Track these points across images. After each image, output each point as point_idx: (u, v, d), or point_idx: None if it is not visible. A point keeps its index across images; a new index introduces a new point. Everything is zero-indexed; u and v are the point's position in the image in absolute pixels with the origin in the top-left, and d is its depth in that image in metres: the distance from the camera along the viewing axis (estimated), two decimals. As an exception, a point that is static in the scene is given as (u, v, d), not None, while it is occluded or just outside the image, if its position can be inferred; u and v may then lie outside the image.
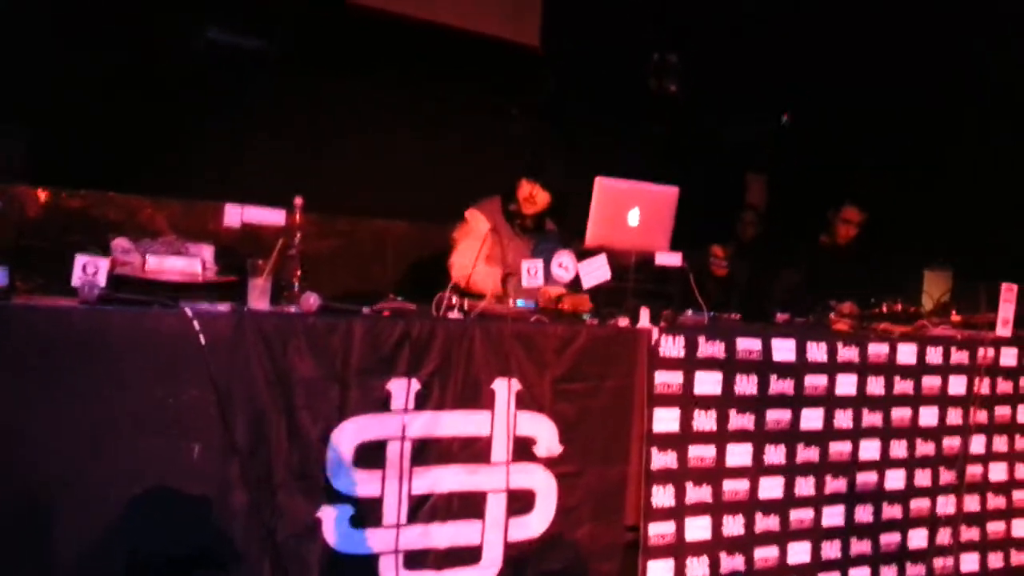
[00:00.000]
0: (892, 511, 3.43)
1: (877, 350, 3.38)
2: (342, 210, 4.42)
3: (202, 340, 2.23)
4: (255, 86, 4.36)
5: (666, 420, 2.94)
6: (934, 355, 3.52)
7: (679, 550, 2.96)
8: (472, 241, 3.53)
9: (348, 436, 2.44)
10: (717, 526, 3.04)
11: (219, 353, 2.27)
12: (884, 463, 3.41)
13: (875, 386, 3.38)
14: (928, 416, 3.51)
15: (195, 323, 2.23)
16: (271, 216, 2.53)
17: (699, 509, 3.01)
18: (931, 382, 3.52)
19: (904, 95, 5.41)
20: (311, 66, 4.51)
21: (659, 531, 2.92)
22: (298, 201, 2.62)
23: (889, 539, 3.43)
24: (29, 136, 3.71)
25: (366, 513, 2.47)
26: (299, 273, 2.62)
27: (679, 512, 2.97)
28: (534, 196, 3.64)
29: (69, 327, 2.14)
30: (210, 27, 4.27)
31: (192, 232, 3.24)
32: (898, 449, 3.44)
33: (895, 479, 3.44)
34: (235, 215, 2.49)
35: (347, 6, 4.47)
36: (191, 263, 2.69)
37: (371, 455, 2.48)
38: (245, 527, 2.32)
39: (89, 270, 2.26)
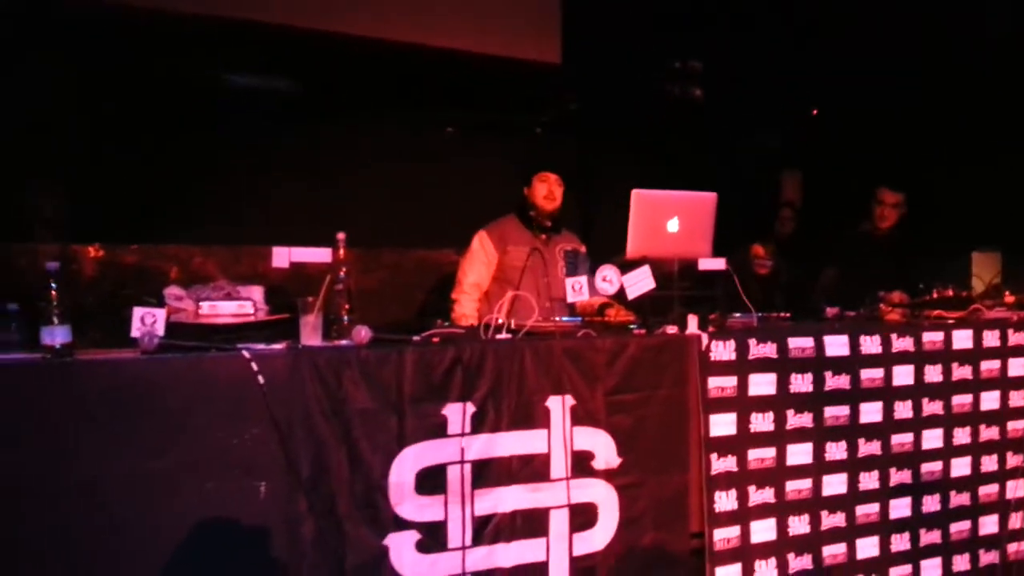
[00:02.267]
0: (960, 499, 3.37)
1: (932, 338, 3.33)
2: (385, 242, 4.49)
3: (260, 380, 2.29)
4: (288, 129, 4.46)
5: (723, 424, 2.93)
6: (991, 339, 3.46)
7: (746, 553, 2.94)
8: (473, 276, 3.64)
9: (408, 463, 2.47)
10: (783, 527, 3.02)
11: (277, 391, 2.32)
12: (948, 451, 3.35)
13: (933, 374, 3.32)
14: (990, 400, 3.45)
15: (253, 364, 2.29)
16: (317, 254, 2.59)
17: (763, 511, 2.98)
18: (990, 366, 3.45)
19: (936, 75, 5.35)
20: (341, 103, 4.61)
21: (724, 536, 2.91)
22: (340, 236, 2.67)
23: (959, 527, 3.37)
24: (77, 195, 3.84)
25: (431, 538, 2.50)
26: (347, 307, 2.67)
27: (743, 515, 2.95)
28: (553, 192, 3.67)
29: (132, 378, 2.21)
30: (237, 73, 4.38)
31: (242, 276, 3.34)
32: (962, 436, 3.38)
33: (961, 467, 3.37)
34: (283, 256, 2.55)
35: (370, 42, 4.56)
36: (243, 305, 2.77)
37: (432, 480, 2.51)
38: (314, 560, 2.36)
39: (147, 321, 2.33)
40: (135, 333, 2.31)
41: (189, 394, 2.25)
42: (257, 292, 2.93)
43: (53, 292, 2.18)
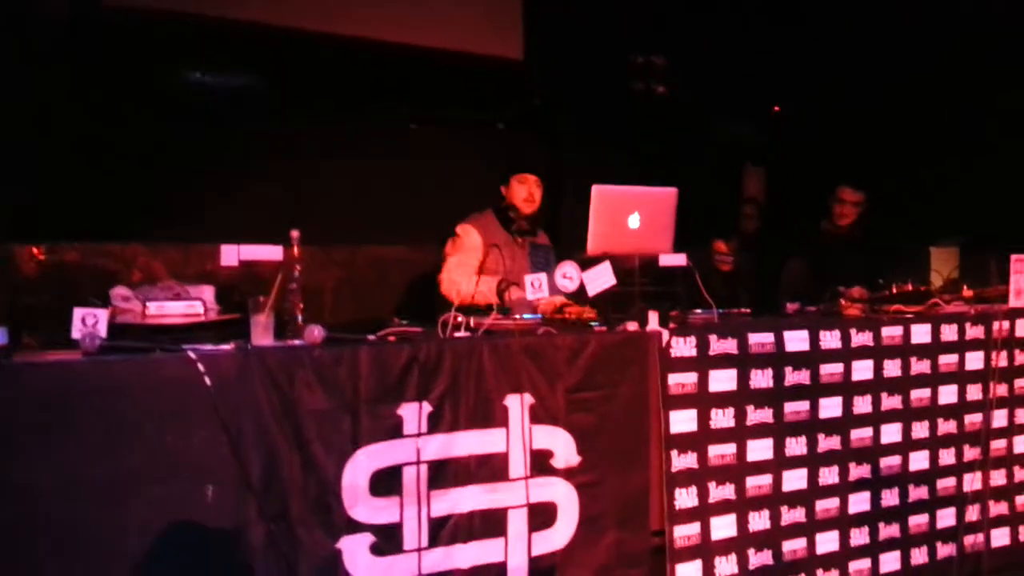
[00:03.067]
0: (919, 492, 3.39)
1: (891, 332, 3.35)
2: (339, 240, 4.42)
3: (207, 381, 2.22)
4: (239, 125, 4.37)
5: (683, 421, 2.91)
6: (949, 332, 3.48)
7: (706, 550, 2.93)
8: (463, 255, 3.52)
9: (362, 465, 2.42)
10: (743, 523, 3.01)
11: (226, 392, 2.25)
12: (907, 445, 3.37)
13: (892, 369, 3.34)
14: (948, 394, 3.47)
15: (199, 365, 2.22)
16: (268, 252, 2.52)
17: (723, 507, 2.98)
18: (948, 360, 3.48)
19: (897, 72, 5.39)
20: (294, 100, 4.53)
21: (685, 533, 2.90)
22: (294, 234, 2.60)
23: (918, 520, 3.39)
24: (16, 192, 3.71)
25: (386, 540, 2.45)
26: (301, 306, 2.61)
27: (703, 512, 2.94)
28: (533, 194, 3.63)
29: (72, 380, 2.13)
30: (191, 70, 4.29)
31: (191, 276, 3.25)
32: (920, 430, 3.40)
33: (919, 460, 3.40)
34: (232, 254, 2.48)
35: (326, 37, 4.48)
36: (192, 305, 2.70)
37: (387, 482, 2.46)
38: (265, 564, 2.30)
39: (89, 322, 2.25)
40: (76, 334, 2.24)
41: (133, 397, 2.17)
42: (208, 292, 2.86)
43: (-11, 292, 2.10)
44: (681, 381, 2.91)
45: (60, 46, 3.89)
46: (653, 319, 2.96)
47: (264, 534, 2.29)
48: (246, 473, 2.27)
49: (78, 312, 2.24)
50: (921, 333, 3.41)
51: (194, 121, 4.24)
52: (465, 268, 3.50)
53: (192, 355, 2.23)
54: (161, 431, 2.19)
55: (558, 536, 2.71)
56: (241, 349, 2.34)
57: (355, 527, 2.41)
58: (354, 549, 2.41)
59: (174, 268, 3.74)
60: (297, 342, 2.48)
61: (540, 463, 2.69)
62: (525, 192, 3.64)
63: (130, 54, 4.06)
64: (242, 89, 4.45)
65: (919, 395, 3.40)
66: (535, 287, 2.85)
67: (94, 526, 2.12)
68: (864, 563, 3.27)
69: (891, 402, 3.33)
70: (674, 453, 2.89)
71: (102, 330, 2.26)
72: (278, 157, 4.45)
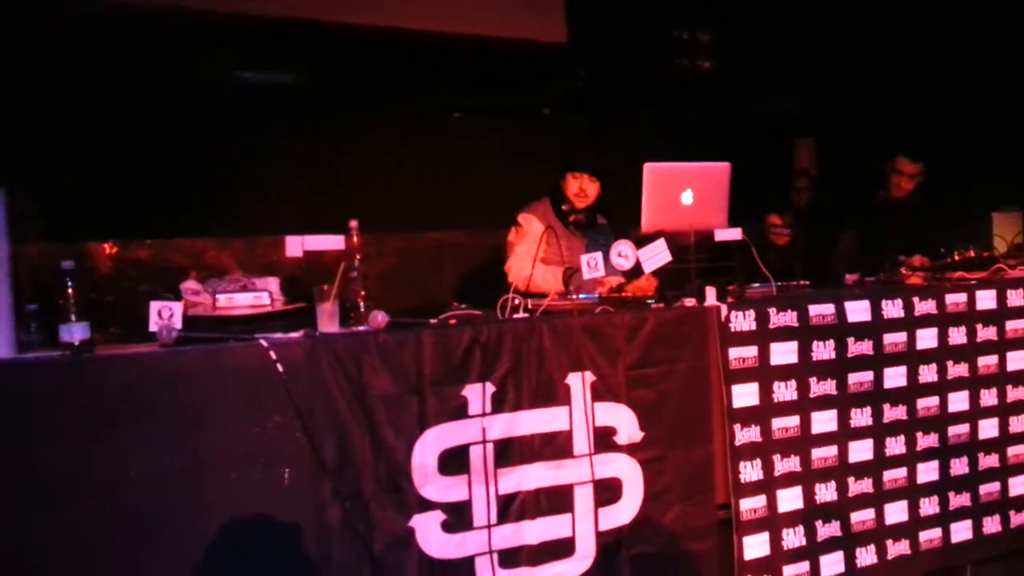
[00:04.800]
0: (989, 460, 3.33)
1: (955, 299, 3.29)
2: (397, 227, 4.49)
3: (280, 368, 2.29)
4: (291, 121, 4.46)
5: (745, 395, 2.91)
6: (1016, 298, 3.41)
7: (773, 523, 2.93)
8: (528, 244, 3.55)
9: (431, 445, 2.48)
10: (809, 495, 3.00)
11: (297, 379, 2.32)
12: (975, 413, 3.31)
13: (957, 336, 3.29)
14: (1016, 361, 3.41)
15: (271, 353, 2.29)
16: (330, 242, 2.58)
17: (789, 480, 2.97)
18: (1015, 326, 3.41)
19: (949, 38, 5.26)
20: (340, 94, 4.60)
21: (751, 506, 2.90)
22: (353, 224, 2.66)
23: (989, 489, 3.33)
24: (89, 192, 3.85)
25: (457, 517, 2.51)
26: (363, 294, 2.68)
27: (769, 485, 2.93)
28: (585, 190, 3.64)
29: (151, 371, 2.21)
30: (243, 68, 4.38)
31: (257, 267, 3.34)
32: (988, 398, 3.34)
33: (989, 428, 3.34)
34: (296, 245, 2.55)
35: (373, 30, 4.54)
36: (259, 296, 2.78)
37: (455, 461, 2.51)
38: (342, 543, 2.37)
39: (165, 314, 2.34)
40: (153, 327, 2.33)
41: (209, 385, 2.25)
42: (273, 283, 2.94)
43: (69, 290, 2.20)
44: (742, 355, 2.91)
45: (122, 51, 4.00)
46: (711, 294, 2.96)
47: (340, 514, 2.36)
48: (320, 456, 2.34)
49: (154, 305, 2.33)
50: (986, 299, 3.35)
51: (251, 119, 4.34)
52: (531, 256, 3.52)
53: (264, 343, 2.30)
54: (237, 418, 2.27)
55: (624, 511, 2.74)
56: (310, 336, 2.41)
57: (426, 505, 2.47)
58: (426, 527, 2.47)
59: (240, 260, 3.84)
60: (362, 328, 2.55)
61: (603, 440, 2.72)
62: (577, 188, 3.65)
63: (189, 55, 4.17)
64: (292, 85, 4.54)
65: (986, 362, 3.34)
66: (591, 266, 2.87)
67: (177, 512, 2.21)
68: (935, 532, 3.24)
69: (957, 370, 3.28)
70: (737, 427, 2.88)
71: (178, 322, 2.34)
72: (328, 150, 4.53)
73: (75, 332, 2.20)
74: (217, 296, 2.74)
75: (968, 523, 3.30)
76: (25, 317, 2.36)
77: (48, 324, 2.29)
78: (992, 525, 3.35)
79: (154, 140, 4.09)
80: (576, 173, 3.63)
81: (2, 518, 2.04)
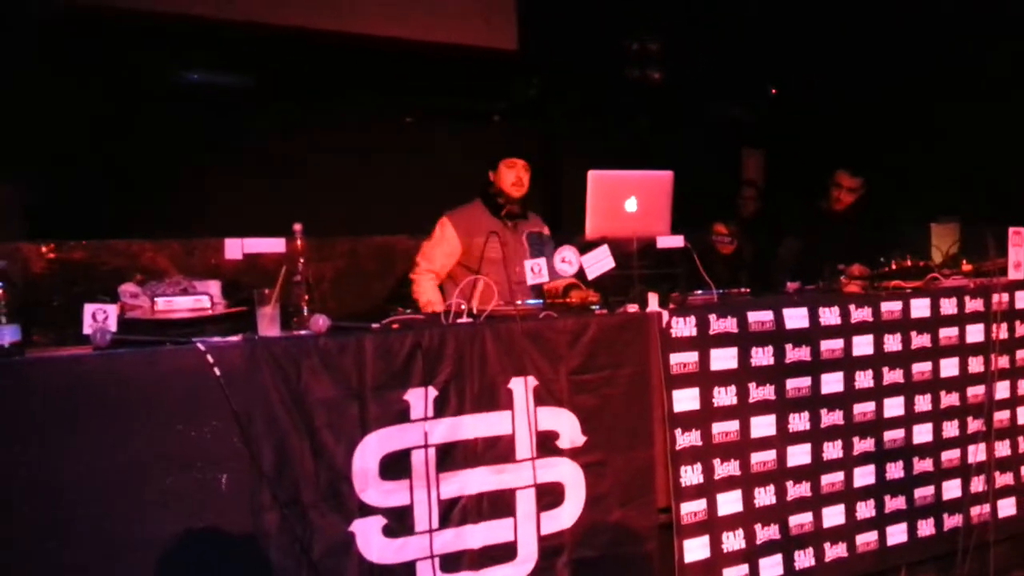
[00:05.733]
0: (923, 465, 3.42)
1: (891, 308, 3.37)
2: (339, 232, 4.47)
3: (217, 372, 2.27)
4: (239, 122, 4.42)
5: (686, 400, 2.95)
6: (948, 306, 3.51)
7: (713, 526, 2.97)
8: (428, 263, 3.63)
9: (372, 450, 2.47)
10: (749, 498, 3.05)
11: (235, 383, 2.30)
12: (910, 418, 3.40)
13: (893, 343, 3.37)
14: (949, 367, 3.50)
15: (208, 356, 2.27)
16: (271, 245, 2.56)
17: (729, 484, 3.02)
18: (948, 333, 3.50)
19: (894, 52, 5.41)
20: (291, 96, 4.58)
21: (691, 509, 2.93)
22: (297, 227, 2.65)
23: (924, 492, 3.42)
24: (23, 193, 3.77)
25: (398, 522, 2.50)
26: (306, 297, 2.66)
27: (709, 489, 2.98)
28: (521, 178, 3.67)
29: (84, 375, 2.18)
30: (190, 69, 4.34)
31: (196, 270, 3.30)
32: (923, 403, 3.43)
33: (923, 433, 3.43)
34: (236, 248, 2.53)
35: (322, 34, 4.52)
36: (199, 300, 2.74)
37: (396, 466, 2.51)
38: (280, 550, 2.35)
39: (99, 317, 2.30)
40: (87, 330, 2.28)
41: (145, 389, 2.22)
42: (214, 286, 2.90)
43: (1, 291, 2.15)
44: (683, 360, 2.95)
45: (63, 49, 3.93)
46: (653, 301, 2.99)
47: (278, 520, 2.35)
48: (258, 461, 2.32)
49: (88, 308, 2.29)
50: (921, 307, 3.44)
51: (193, 119, 4.29)
52: (431, 273, 3.68)
53: (201, 347, 2.27)
54: (173, 422, 2.25)
55: (566, 515, 2.76)
56: (249, 340, 2.39)
57: (367, 510, 2.46)
58: (367, 532, 2.46)
59: (178, 263, 3.79)
60: (303, 332, 2.53)
61: (546, 444, 2.73)
62: (513, 176, 3.67)
63: (131, 55, 4.11)
64: (240, 86, 4.50)
65: (920, 368, 3.43)
66: (535, 272, 2.90)
67: (112, 516, 2.18)
68: (871, 535, 3.31)
69: (893, 376, 3.36)
70: (678, 431, 2.92)
71: (112, 325, 2.30)
72: (277, 152, 4.50)
73: (4, 334, 2.15)
74: (156, 299, 2.70)
75: (903, 526, 3.38)
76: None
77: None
78: (926, 528, 3.44)
79: (94, 139, 4.02)
80: (511, 160, 3.65)
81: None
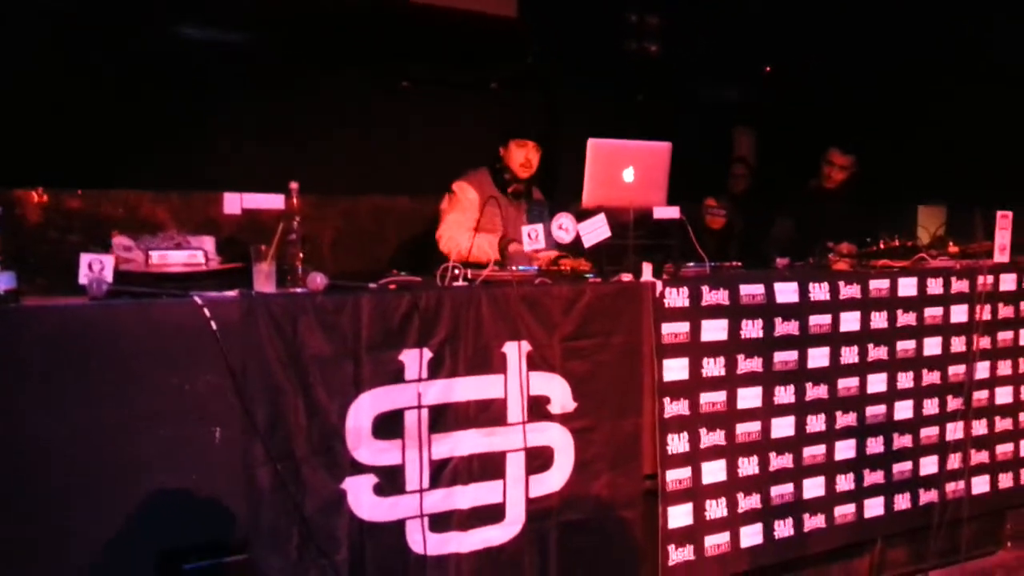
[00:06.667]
0: (903, 441, 3.50)
1: (878, 285, 3.42)
2: (341, 190, 4.46)
3: (213, 326, 2.27)
4: (241, 78, 4.36)
5: (676, 369, 2.98)
6: (934, 286, 3.56)
7: (697, 494, 3.03)
8: (459, 214, 3.56)
9: (365, 409, 2.48)
10: (732, 468, 3.10)
11: (231, 337, 2.30)
12: (892, 395, 3.46)
13: (879, 321, 3.42)
14: (932, 346, 3.56)
15: (205, 310, 2.27)
16: (270, 201, 2.55)
17: (714, 453, 3.06)
18: (933, 313, 3.56)
19: (889, 35, 5.42)
20: (291, 55, 4.52)
21: (676, 477, 2.98)
22: (293, 185, 2.63)
23: (901, 468, 3.50)
24: (21, 139, 3.71)
25: (389, 481, 2.52)
26: (301, 256, 2.65)
27: (695, 457, 3.02)
28: (530, 159, 3.66)
29: (81, 324, 2.17)
30: (191, 23, 4.27)
31: (193, 223, 3.28)
32: (905, 381, 3.49)
33: (904, 410, 3.49)
34: (234, 202, 2.51)
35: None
36: (194, 255, 2.73)
37: (389, 425, 2.52)
38: (272, 505, 2.37)
39: (95, 267, 2.29)
40: (83, 280, 2.27)
41: (140, 341, 2.21)
42: (208, 242, 2.89)
43: (-4, 237, 2.13)
44: (674, 331, 2.98)
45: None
46: (647, 271, 3.02)
47: (271, 475, 2.36)
48: (252, 416, 2.33)
49: (84, 258, 2.28)
50: (907, 286, 3.49)
51: (197, 73, 4.23)
52: (463, 226, 3.55)
53: (199, 300, 2.27)
54: (168, 375, 2.24)
55: (554, 479, 2.80)
56: (246, 295, 2.38)
57: (359, 468, 2.48)
58: (358, 489, 2.48)
59: (177, 215, 3.76)
60: (299, 290, 2.53)
61: (537, 408, 2.76)
62: (523, 157, 3.67)
63: (136, 7, 4.04)
64: (243, 43, 4.43)
65: (904, 346, 3.48)
66: (532, 238, 2.91)
67: (107, 466, 2.18)
68: (849, 508, 3.38)
69: (877, 353, 3.42)
70: (667, 400, 2.96)
71: (108, 276, 2.29)
72: (275, 110, 4.45)
73: (0, 281, 2.13)
74: (150, 252, 2.69)
75: (880, 499, 3.46)
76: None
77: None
78: (903, 502, 3.52)
79: (92, 87, 3.95)
80: (521, 141, 3.65)
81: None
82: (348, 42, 4.62)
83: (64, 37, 3.90)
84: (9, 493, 2.08)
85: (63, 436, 2.12)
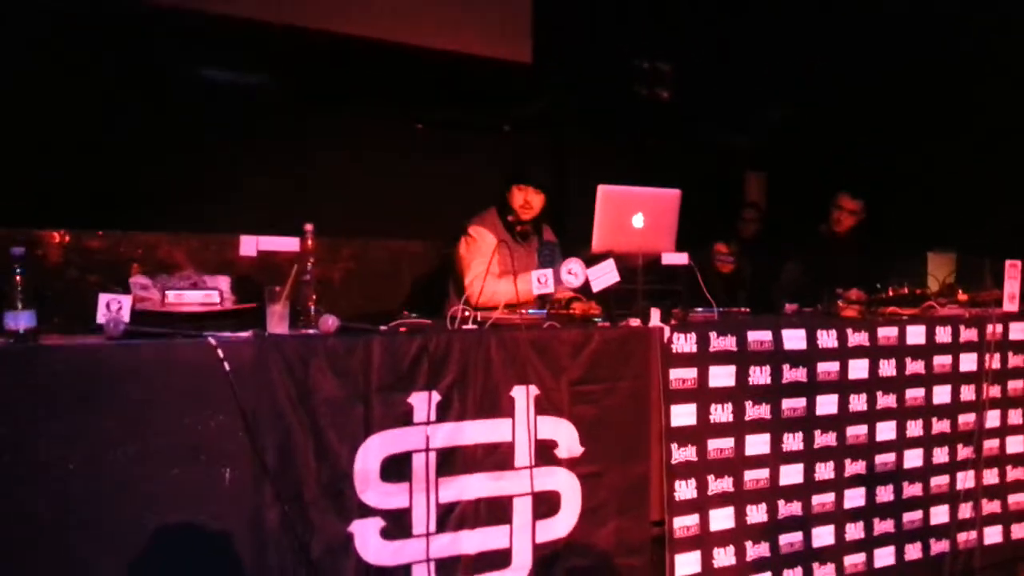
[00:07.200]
0: (913, 489, 3.47)
1: (887, 333, 3.43)
2: (349, 234, 4.51)
3: (226, 367, 2.30)
4: (257, 122, 4.46)
5: (683, 415, 2.99)
6: (943, 334, 3.56)
7: (705, 541, 3.01)
8: (483, 258, 3.59)
9: (374, 451, 2.50)
10: (741, 515, 3.09)
11: (244, 378, 2.33)
12: (901, 443, 3.45)
13: (887, 368, 3.42)
14: (942, 394, 3.56)
15: (219, 351, 2.30)
16: (285, 243, 2.60)
17: (722, 500, 3.06)
18: (942, 361, 3.56)
19: (897, 81, 5.49)
20: (308, 98, 4.62)
21: (684, 524, 2.97)
22: (308, 227, 2.69)
23: (912, 517, 3.47)
24: (44, 181, 3.80)
25: (396, 525, 2.53)
26: (314, 297, 2.70)
27: (702, 504, 3.02)
28: (530, 202, 3.71)
29: (97, 363, 2.21)
30: (210, 66, 4.38)
31: (210, 264, 3.32)
32: (914, 429, 3.48)
33: (913, 458, 3.48)
34: (251, 245, 2.57)
35: (340, 38, 4.57)
36: (209, 295, 2.77)
37: (397, 468, 2.54)
38: (279, 546, 2.38)
39: (113, 307, 2.33)
40: (101, 319, 2.32)
41: (155, 380, 2.26)
42: (224, 282, 2.93)
43: (18, 277, 2.18)
44: (682, 376, 2.99)
45: (83, 42, 3.96)
46: (655, 316, 3.04)
47: (279, 516, 2.37)
48: (261, 457, 2.35)
49: (103, 298, 2.32)
50: (916, 334, 3.49)
51: (215, 117, 4.32)
52: (491, 274, 3.60)
53: (212, 341, 2.31)
54: (181, 414, 2.28)
55: (561, 524, 2.79)
56: (259, 336, 2.42)
57: (366, 511, 2.49)
58: (365, 532, 2.49)
59: (193, 257, 3.82)
60: (311, 331, 2.57)
61: (544, 453, 2.77)
62: (522, 200, 3.72)
63: (155, 51, 4.15)
64: (259, 86, 4.54)
65: (913, 394, 3.48)
66: (541, 283, 2.94)
67: (118, 503, 2.21)
68: (859, 557, 3.35)
69: (886, 401, 3.41)
70: (674, 446, 2.96)
71: (126, 315, 2.34)
72: (292, 153, 4.54)
73: (20, 320, 2.18)
74: (166, 292, 2.73)
75: (891, 549, 3.43)
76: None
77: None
78: (914, 552, 3.48)
79: (112, 130, 4.05)
80: (521, 186, 3.70)
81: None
82: (366, 85, 4.72)
83: (78, 85, 3.99)
84: (18, 524, 2.10)
85: (75, 471, 2.15)
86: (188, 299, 2.73)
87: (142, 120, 4.12)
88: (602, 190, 3.14)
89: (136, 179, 3.99)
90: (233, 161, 4.33)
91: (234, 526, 2.34)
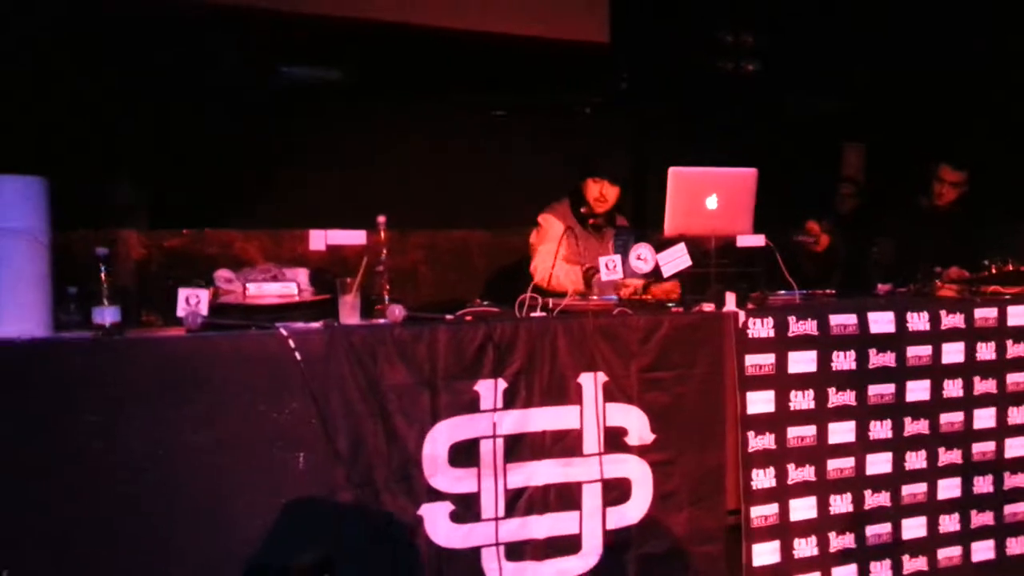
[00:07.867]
0: (1015, 480, 3.27)
1: (984, 314, 3.23)
2: (427, 224, 4.58)
3: (298, 356, 2.39)
4: (331, 115, 4.56)
5: (760, 402, 2.91)
6: (1050, 315, 3.33)
7: (784, 531, 2.93)
8: (550, 245, 3.59)
9: (442, 437, 2.55)
10: (823, 505, 2.99)
11: (315, 367, 2.42)
12: (1002, 431, 3.25)
13: (985, 352, 3.23)
14: (1048, 379, 3.33)
15: (290, 341, 2.39)
16: (352, 237, 2.67)
17: (803, 489, 2.96)
18: (1049, 343, 3.33)
19: (1005, 40, 5.12)
20: (381, 91, 4.69)
21: (762, 513, 2.90)
22: (381, 219, 2.77)
23: (1014, 509, 3.27)
24: (128, 184, 4.02)
25: (465, 508, 2.58)
26: (388, 287, 2.77)
27: (782, 493, 2.93)
28: (605, 195, 3.68)
29: (176, 354, 2.34)
30: (284, 62, 4.50)
31: (285, 259, 3.44)
32: (1016, 416, 3.27)
33: (1016, 447, 3.27)
34: (320, 239, 2.64)
35: (417, 28, 4.62)
36: (287, 287, 2.88)
37: (465, 454, 2.58)
38: (353, 528, 2.46)
39: (192, 301, 2.46)
40: (180, 313, 2.44)
41: (231, 370, 2.37)
42: (302, 274, 3.04)
43: (103, 275, 2.33)
44: (758, 362, 2.91)
45: (158, 46, 4.14)
46: (730, 300, 2.96)
47: (352, 499, 2.46)
48: (333, 443, 2.44)
49: (182, 292, 2.45)
50: (1018, 315, 3.28)
51: (286, 114, 4.46)
52: (553, 257, 3.58)
53: (284, 332, 2.40)
54: (256, 403, 2.39)
55: (633, 511, 2.78)
56: (329, 327, 2.50)
57: (435, 495, 2.55)
58: (435, 516, 2.55)
59: (267, 253, 3.98)
60: (380, 321, 2.63)
61: (614, 440, 2.76)
62: (597, 192, 3.69)
63: (228, 50, 4.29)
64: (331, 81, 4.64)
65: (1015, 379, 3.27)
66: (609, 268, 2.91)
67: (198, 487, 2.34)
68: (955, 551, 3.19)
69: (984, 386, 3.22)
70: (751, 434, 2.89)
71: (204, 309, 2.46)
72: (364, 147, 4.63)
73: (107, 315, 2.33)
74: (247, 285, 2.85)
75: (991, 543, 3.25)
76: (66, 299, 2.50)
77: (85, 307, 2.42)
78: (1016, 546, 3.29)
79: (193, 132, 4.23)
80: (596, 179, 3.67)
81: (35, 487, 2.19)
82: (440, 76, 4.75)
83: (162, 85, 4.18)
84: (109, 511, 2.25)
85: (157, 458, 2.29)
86: (267, 291, 2.84)
87: (216, 123, 4.27)
88: (673, 172, 3.08)
89: (213, 179, 4.16)
90: (309, 156, 4.45)
91: (310, 508, 2.44)
